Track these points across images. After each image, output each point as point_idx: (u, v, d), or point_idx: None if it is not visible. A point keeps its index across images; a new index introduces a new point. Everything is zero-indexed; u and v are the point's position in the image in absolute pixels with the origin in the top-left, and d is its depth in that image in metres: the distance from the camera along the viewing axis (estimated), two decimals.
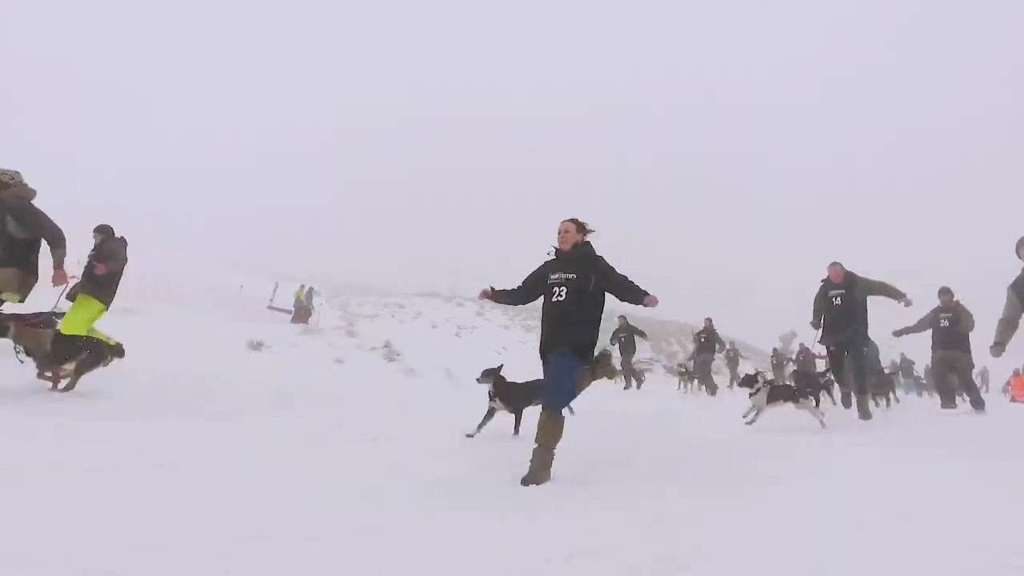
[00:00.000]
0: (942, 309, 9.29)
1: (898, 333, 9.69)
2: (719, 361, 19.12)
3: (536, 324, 13.11)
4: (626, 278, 4.29)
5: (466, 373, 13.45)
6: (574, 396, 4.15)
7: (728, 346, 21.69)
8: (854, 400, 7.91)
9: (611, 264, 4.33)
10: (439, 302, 34.63)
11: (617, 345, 14.98)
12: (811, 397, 7.03)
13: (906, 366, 20.65)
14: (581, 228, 4.40)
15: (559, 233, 4.39)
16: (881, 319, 8.30)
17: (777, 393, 6.99)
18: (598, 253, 4.38)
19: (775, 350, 20.74)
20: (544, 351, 4.23)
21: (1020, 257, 5.95)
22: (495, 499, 3.25)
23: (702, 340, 15.31)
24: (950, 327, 9.10)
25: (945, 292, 9.28)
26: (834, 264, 7.95)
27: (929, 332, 9.42)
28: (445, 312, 31.72)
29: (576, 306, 4.16)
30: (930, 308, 9.47)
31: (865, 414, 7.62)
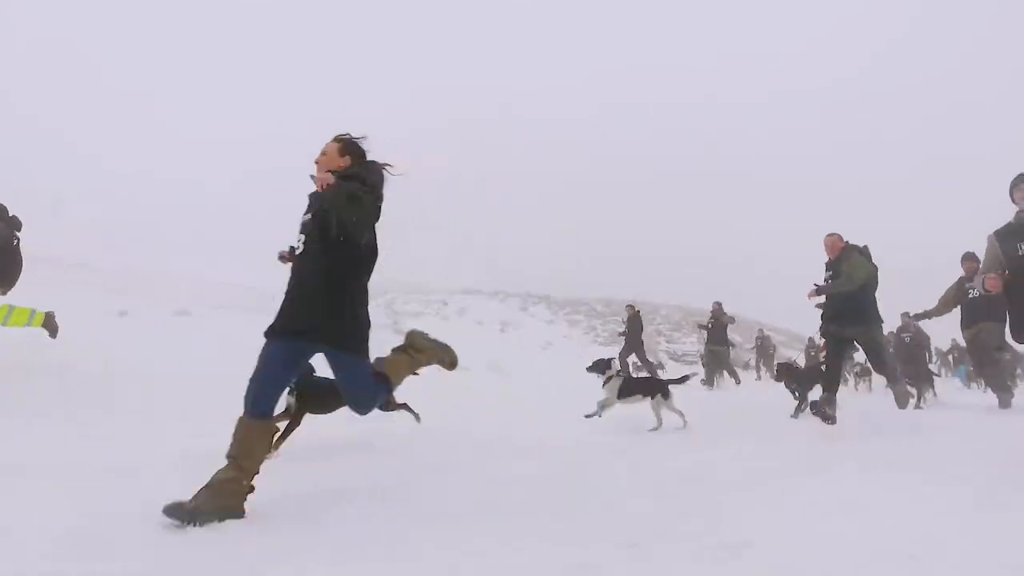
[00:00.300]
0: (967, 279, 7.68)
1: (918, 317, 8.55)
2: (740, 352, 18.12)
3: (580, 319, 12.93)
4: None
5: (512, 368, 13.36)
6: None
7: (758, 334, 21.03)
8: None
9: None
10: (483, 298, 34.77)
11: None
12: (667, 395, 5.73)
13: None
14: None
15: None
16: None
17: (632, 386, 5.78)
18: None
19: (810, 339, 19.89)
20: None
21: (1015, 201, 4.55)
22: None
23: (709, 328, 13.81)
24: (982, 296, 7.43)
25: (970, 258, 7.70)
26: (830, 235, 6.49)
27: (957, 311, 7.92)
28: (489, 308, 31.80)
29: None
30: (952, 281, 8.00)
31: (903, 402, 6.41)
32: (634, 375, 6.56)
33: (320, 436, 4.23)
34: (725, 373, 13.71)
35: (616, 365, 6.01)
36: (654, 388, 5.74)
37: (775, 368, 8.17)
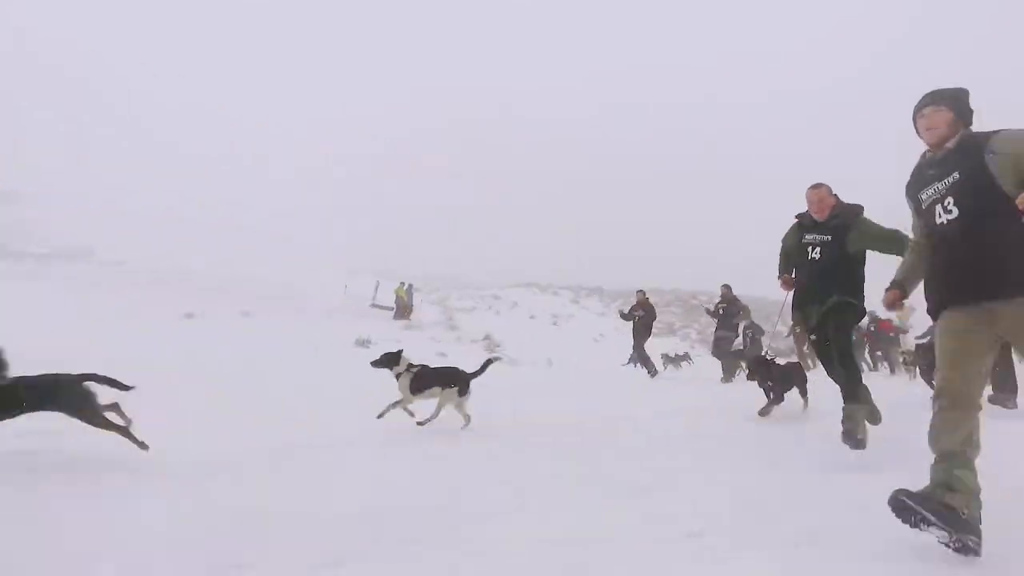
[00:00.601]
0: None
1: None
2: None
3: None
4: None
5: (565, 361, 13.32)
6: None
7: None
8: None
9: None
10: (535, 292, 34.76)
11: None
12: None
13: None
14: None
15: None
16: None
17: (429, 379, 4.94)
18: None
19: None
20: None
21: (919, 133, 2.92)
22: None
23: (720, 314, 12.17)
24: None
25: None
26: (816, 187, 4.64)
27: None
28: (541, 302, 31.79)
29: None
30: None
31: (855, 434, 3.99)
32: (431, 366, 5.10)
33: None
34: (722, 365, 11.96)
35: (406, 358, 5.04)
36: (452, 381, 4.96)
37: (748, 365, 6.87)
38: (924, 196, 2.66)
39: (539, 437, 4.61)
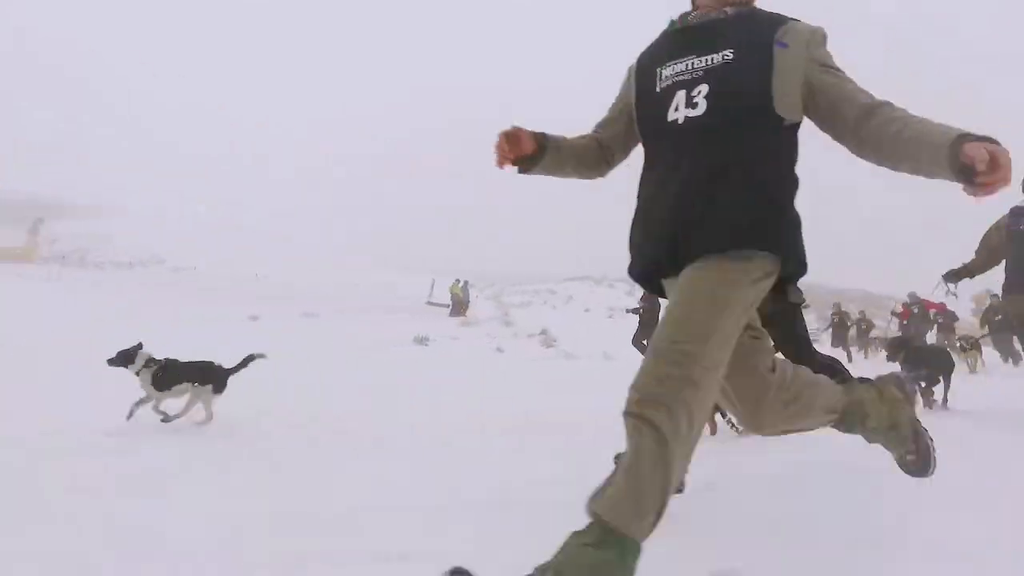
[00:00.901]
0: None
1: (952, 277, 5.62)
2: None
3: None
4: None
5: (622, 354, 13.16)
6: None
7: (857, 315, 18.52)
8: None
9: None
10: (590, 284, 34.55)
11: None
12: None
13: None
14: None
15: None
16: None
17: (176, 374, 4.25)
18: None
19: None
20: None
21: None
22: None
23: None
24: None
25: None
26: None
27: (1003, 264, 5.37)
28: (597, 295, 31.56)
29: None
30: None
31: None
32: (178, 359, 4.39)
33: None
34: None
35: (145, 354, 4.36)
36: (205, 376, 4.41)
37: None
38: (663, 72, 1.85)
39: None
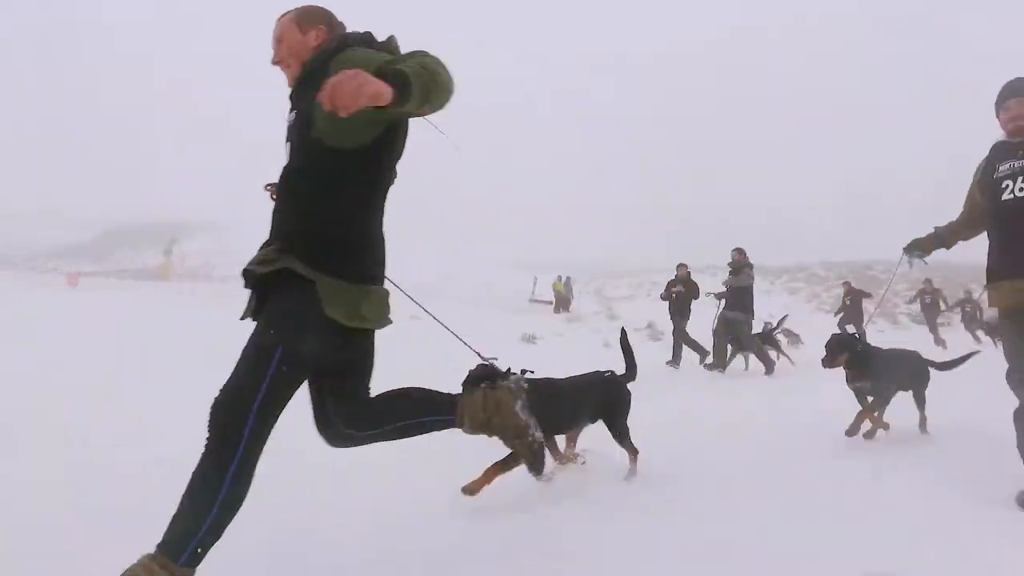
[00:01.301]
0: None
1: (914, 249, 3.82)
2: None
3: (800, 286, 11.36)
4: None
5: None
6: None
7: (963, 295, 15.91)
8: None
9: None
10: (694, 274, 33.44)
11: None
12: None
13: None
14: None
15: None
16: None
17: None
18: None
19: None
20: None
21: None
22: None
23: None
24: None
25: None
26: None
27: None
28: (701, 284, 30.49)
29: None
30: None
31: None
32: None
33: None
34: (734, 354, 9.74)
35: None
36: None
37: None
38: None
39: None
